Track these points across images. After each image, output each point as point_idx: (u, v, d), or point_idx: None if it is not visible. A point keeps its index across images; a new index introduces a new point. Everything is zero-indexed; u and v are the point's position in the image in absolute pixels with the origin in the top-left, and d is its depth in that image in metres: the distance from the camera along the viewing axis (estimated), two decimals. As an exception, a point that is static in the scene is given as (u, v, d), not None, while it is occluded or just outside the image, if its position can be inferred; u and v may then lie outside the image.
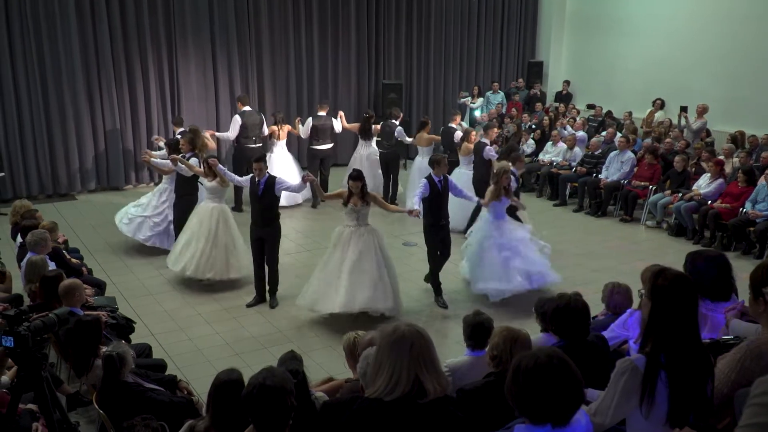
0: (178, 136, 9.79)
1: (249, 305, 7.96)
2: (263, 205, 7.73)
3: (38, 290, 5.68)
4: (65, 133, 12.17)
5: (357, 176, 7.41)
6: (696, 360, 2.67)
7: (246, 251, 8.20)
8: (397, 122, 11.84)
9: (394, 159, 11.78)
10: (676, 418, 2.61)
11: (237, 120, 11.25)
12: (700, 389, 2.66)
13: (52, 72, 11.83)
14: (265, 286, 7.98)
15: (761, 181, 9.75)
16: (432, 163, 8.10)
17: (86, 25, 11.97)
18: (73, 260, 7.40)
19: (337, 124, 11.92)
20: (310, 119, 11.91)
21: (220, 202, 8.43)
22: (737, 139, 11.77)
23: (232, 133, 11.31)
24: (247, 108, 11.45)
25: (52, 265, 6.36)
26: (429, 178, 7.98)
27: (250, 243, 7.95)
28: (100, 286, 7.26)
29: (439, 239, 8.08)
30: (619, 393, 2.68)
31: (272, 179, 7.71)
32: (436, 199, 7.92)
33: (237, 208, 11.11)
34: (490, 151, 10.07)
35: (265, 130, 11.65)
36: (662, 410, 2.63)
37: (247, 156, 11.17)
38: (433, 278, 8.18)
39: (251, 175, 7.81)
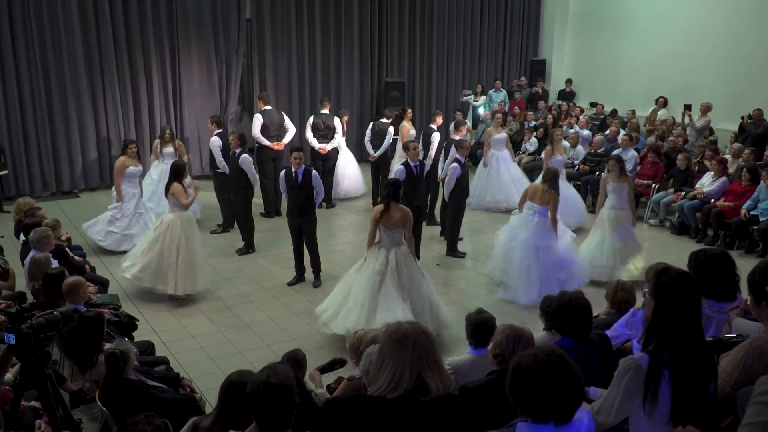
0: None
1: (290, 284, 8.43)
2: (301, 195, 8.14)
3: (41, 288, 5.69)
4: (68, 131, 12.18)
5: (387, 185, 6.97)
6: (699, 359, 2.66)
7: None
8: (389, 122, 11.64)
9: (384, 161, 11.55)
10: (679, 416, 2.61)
11: (259, 118, 11.07)
12: (703, 388, 2.65)
13: (55, 70, 11.84)
14: (304, 267, 8.45)
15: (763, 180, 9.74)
16: (405, 148, 8.84)
17: (89, 24, 11.97)
18: (77, 258, 7.41)
19: (339, 125, 11.82)
20: (311, 118, 11.88)
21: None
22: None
23: (256, 130, 11.07)
24: (268, 107, 11.28)
25: (55, 263, 6.37)
26: (405, 163, 8.65)
27: (289, 229, 8.41)
28: (103, 284, 7.27)
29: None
30: (622, 391, 2.68)
31: (309, 170, 8.22)
32: (411, 182, 8.50)
33: (269, 213, 11.13)
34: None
35: (288, 126, 11.42)
36: (665, 409, 2.62)
37: (270, 154, 11.12)
38: None
39: (285, 169, 8.35)
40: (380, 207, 6.84)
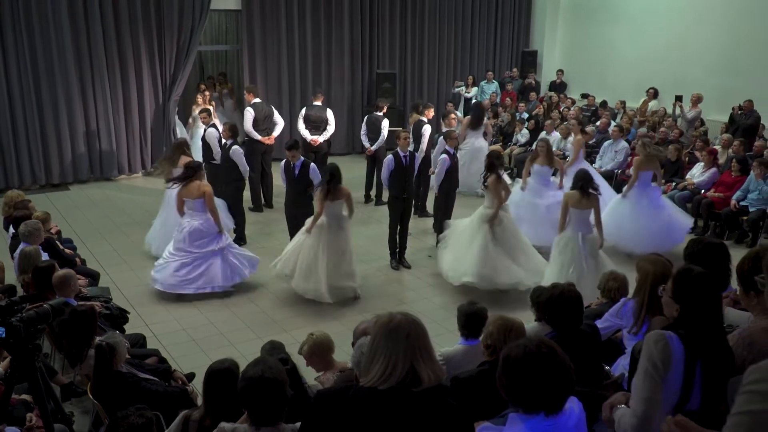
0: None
1: (287, 273, 8.30)
2: (298, 187, 8.27)
3: (31, 281, 5.67)
4: (57, 124, 12.09)
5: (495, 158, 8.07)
6: (725, 348, 2.72)
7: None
8: (382, 114, 11.51)
9: (380, 154, 11.38)
10: (708, 403, 2.63)
11: (250, 111, 10.97)
12: (727, 375, 2.69)
13: (43, 61, 11.74)
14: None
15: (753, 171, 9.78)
16: (396, 138, 8.84)
17: (78, 15, 11.86)
18: (67, 250, 7.38)
19: (332, 117, 11.79)
20: (304, 109, 11.83)
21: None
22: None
23: (248, 124, 10.95)
24: (257, 99, 11.18)
25: (45, 256, 6.34)
26: (395, 153, 8.68)
27: (286, 220, 8.53)
28: (93, 277, 7.25)
29: (398, 212, 8.66)
30: (661, 365, 2.64)
31: (307, 163, 8.30)
32: (400, 173, 8.59)
33: (256, 208, 11.07)
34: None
35: (277, 119, 11.33)
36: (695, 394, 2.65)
37: (260, 148, 11.04)
38: (389, 243, 8.84)
39: (285, 160, 8.39)
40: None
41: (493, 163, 7.87)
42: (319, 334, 4.62)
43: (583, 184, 7.24)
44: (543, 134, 13.04)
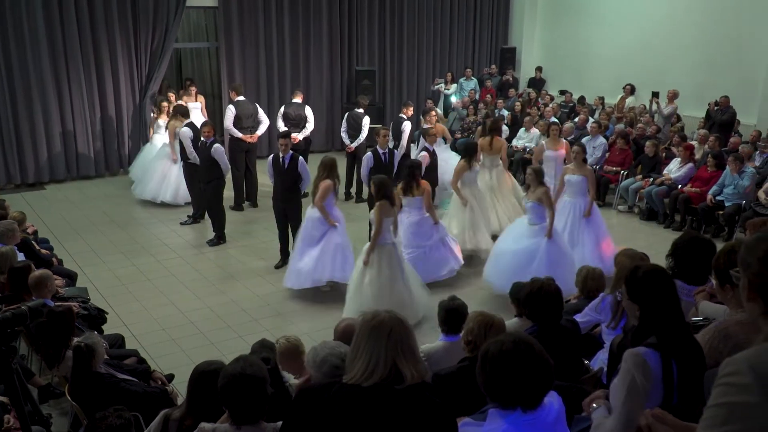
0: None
1: (277, 267, 8.49)
2: (287, 180, 8.26)
3: (6, 282, 5.60)
4: (32, 123, 11.91)
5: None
6: (694, 346, 2.73)
7: None
8: (362, 111, 11.50)
9: (361, 151, 11.32)
10: (686, 404, 2.65)
11: (231, 109, 10.92)
12: (702, 373, 2.71)
13: (17, 60, 11.55)
14: (289, 251, 8.29)
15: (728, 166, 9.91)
16: (376, 135, 8.90)
17: (53, 13, 11.69)
18: (43, 251, 7.29)
19: (311, 114, 11.74)
20: (282, 107, 11.78)
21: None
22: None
23: (228, 122, 10.91)
24: (240, 98, 11.10)
25: (21, 256, 6.26)
26: (374, 150, 8.77)
27: (275, 214, 8.48)
28: (71, 277, 7.17)
29: None
30: (646, 382, 2.63)
31: (296, 157, 8.32)
32: (380, 170, 8.58)
33: (237, 207, 10.97)
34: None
35: (262, 118, 11.29)
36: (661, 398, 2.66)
37: (243, 146, 10.97)
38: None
39: (272, 154, 8.47)
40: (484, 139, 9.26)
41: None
42: (283, 342, 4.43)
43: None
44: (522, 131, 13.14)
